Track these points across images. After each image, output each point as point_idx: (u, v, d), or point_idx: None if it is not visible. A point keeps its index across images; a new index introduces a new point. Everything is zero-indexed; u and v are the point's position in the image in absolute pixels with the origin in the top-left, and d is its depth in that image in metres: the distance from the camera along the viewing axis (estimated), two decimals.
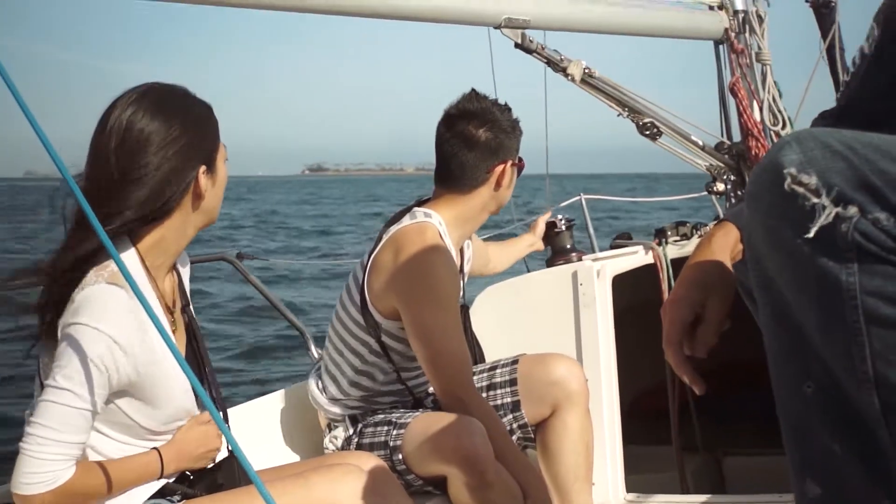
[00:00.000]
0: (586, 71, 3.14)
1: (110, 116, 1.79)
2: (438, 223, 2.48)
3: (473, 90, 2.56)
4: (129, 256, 1.79)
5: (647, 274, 3.18)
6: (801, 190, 0.99)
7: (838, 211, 0.97)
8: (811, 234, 0.98)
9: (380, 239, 2.51)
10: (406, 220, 2.49)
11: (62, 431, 1.65)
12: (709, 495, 2.88)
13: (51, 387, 1.66)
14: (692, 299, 1.31)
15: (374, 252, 2.48)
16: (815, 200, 0.98)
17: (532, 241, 3.16)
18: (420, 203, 2.58)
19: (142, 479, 1.84)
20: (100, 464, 1.77)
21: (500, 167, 2.51)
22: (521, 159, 2.60)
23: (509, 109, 2.55)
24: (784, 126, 3.42)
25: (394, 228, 2.49)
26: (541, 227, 3.16)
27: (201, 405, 1.91)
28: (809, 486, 1.09)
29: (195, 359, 2.00)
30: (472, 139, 2.48)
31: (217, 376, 2.14)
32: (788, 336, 1.08)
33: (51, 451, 1.64)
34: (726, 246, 1.36)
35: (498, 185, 2.53)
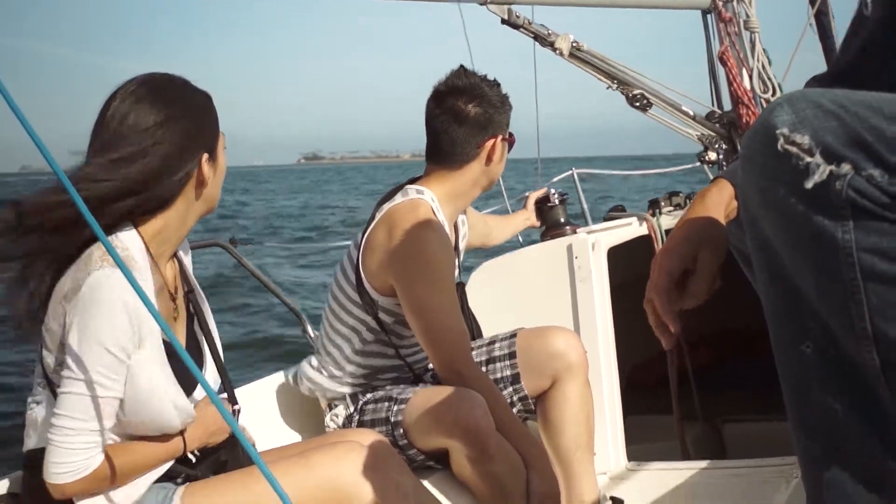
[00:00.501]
0: (574, 45, 3.14)
1: (110, 105, 1.79)
2: (431, 199, 2.48)
3: (462, 66, 2.56)
4: (133, 241, 1.79)
5: (642, 245, 3.18)
6: (794, 149, 0.99)
7: (832, 169, 0.97)
8: (806, 193, 0.98)
9: (373, 217, 2.51)
10: (398, 198, 2.49)
11: (88, 420, 1.68)
12: (710, 461, 2.90)
13: (71, 378, 1.67)
14: (684, 251, 1.32)
15: (368, 230, 2.49)
16: (809, 159, 0.99)
17: (526, 217, 3.16)
18: (412, 181, 2.58)
19: (168, 456, 1.86)
20: (126, 446, 1.78)
21: (491, 142, 2.51)
22: (511, 134, 2.60)
23: (498, 84, 2.55)
24: (774, 93, 3.42)
25: (386, 206, 2.49)
26: (530, 206, 3.16)
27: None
28: (810, 445, 1.10)
29: (196, 346, 2.00)
30: (462, 114, 2.48)
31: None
32: (785, 297, 1.08)
33: (79, 440, 1.68)
34: (720, 202, 1.37)
35: (489, 160, 2.53)
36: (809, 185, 0.98)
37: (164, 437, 1.84)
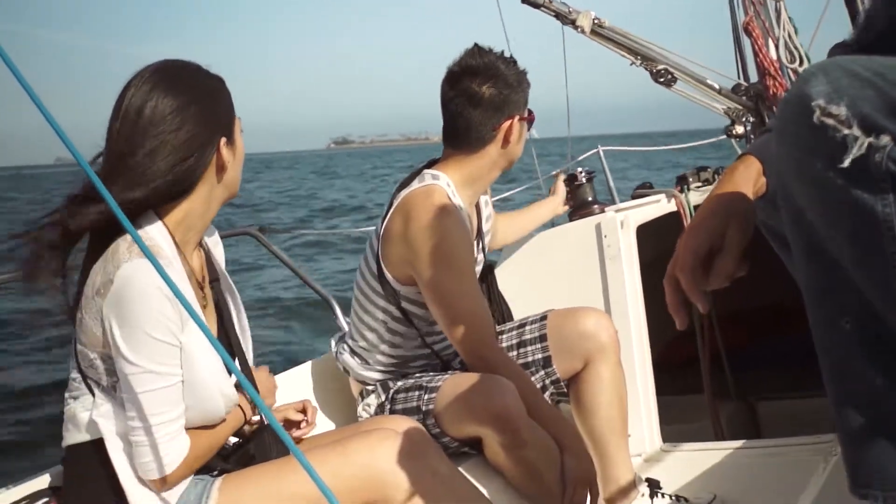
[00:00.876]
0: (596, 21, 3.10)
1: (125, 97, 1.79)
2: (447, 184, 2.44)
3: (476, 45, 2.48)
4: (159, 231, 1.80)
5: (671, 222, 3.15)
6: (830, 122, 0.97)
7: (871, 141, 0.95)
8: (844, 166, 0.96)
9: (391, 205, 2.48)
10: (414, 184, 2.45)
11: (165, 412, 1.72)
12: (745, 441, 2.87)
13: (131, 375, 1.69)
14: (711, 227, 1.28)
15: (386, 219, 2.46)
16: (846, 131, 0.96)
17: (555, 205, 3.09)
18: (431, 164, 2.54)
19: (236, 426, 1.93)
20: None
21: (507, 123, 2.45)
22: (530, 112, 2.53)
23: (514, 62, 2.48)
24: (801, 63, 3.35)
25: (403, 193, 2.45)
26: (560, 189, 3.11)
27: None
28: (852, 419, 1.08)
29: (224, 334, 2.00)
30: (476, 96, 2.42)
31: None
32: (823, 272, 1.06)
33: (164, 432, 1.72)
34: (749, 178, 1.33)
35: (506, 141, 2.47)
36: (848, 158, 0.95)
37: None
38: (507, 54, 2.49)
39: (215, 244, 2.07)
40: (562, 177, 3.13)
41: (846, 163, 0.96)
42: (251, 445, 1.98)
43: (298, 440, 2.15)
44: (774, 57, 3.36)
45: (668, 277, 1.30)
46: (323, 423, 2.73)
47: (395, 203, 2.45)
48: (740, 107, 3.44)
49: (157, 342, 1.69)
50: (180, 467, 1.75)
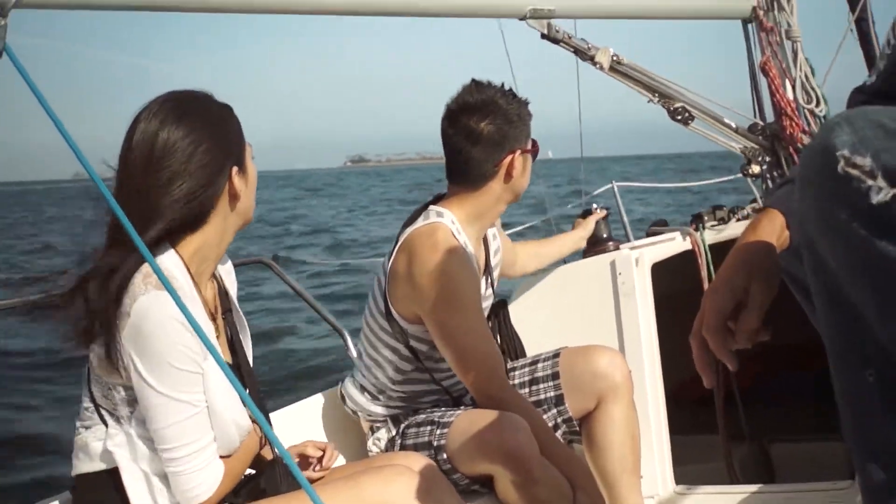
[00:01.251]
0: (614, 58, 3.10)
1: (135, 130, 1.80)
2: (451, 222, 2.43)
3: (473, 81, 2.47)
4: (174, 262, 1.79)
5: (685, 260, 3.14)
6: (855, 172, 0.96)
7: (895, 192, 0.94)
8: (868, 217, 0.95)
9: (397, 241, 2.46)
10: (419, 222, 2.44)
11: (198, 439, 1.74)
12: (759, 485, 2.83)
13: (161, 406, 1.70)
14: (735, 285, 1.27)
15: (391, 257, 2.45)
16: (871, 182, 0.95)
17: (580, 238, 3.07)
18: (436, 200, 2.53)
19: (256, 451, 1.97)
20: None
21: (509, 158, 2.43)
22: (534, 143, 2.51)
23: (514, 95, 2.46)
24: (818, 104, 3.36)
25: (408, 231, 2.44)
26: (591, 225, 3.08)
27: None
28: (874, 473, 1.06)
29: (236, 365, 2.00)
30: (475, 134, 2.40)
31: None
32: (846, 322, 1.05)
33: (200, 459, 1.75)
34: (772, 232, 1.32)
35: (509, 175, 2.45)
36: (871, 209, 0.94)
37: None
38: (510, 86, 2.48)
39: (228, 273, 2.07)
40: (595, 216, 3.09)
41: (870, 211, 0.95)
42: (262, 479, 1.97)
43: (311, 479, 2.13)
44: (791, 97, 3.36)
45: (694, 335, 1.29)
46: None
47: (401, 240, 2.44)
48: (756, 146, 3.44)
49: (181, 372, 1.69)
50: (218, 491, 1.78)
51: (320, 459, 2.14)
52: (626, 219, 4.35)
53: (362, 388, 2.56)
